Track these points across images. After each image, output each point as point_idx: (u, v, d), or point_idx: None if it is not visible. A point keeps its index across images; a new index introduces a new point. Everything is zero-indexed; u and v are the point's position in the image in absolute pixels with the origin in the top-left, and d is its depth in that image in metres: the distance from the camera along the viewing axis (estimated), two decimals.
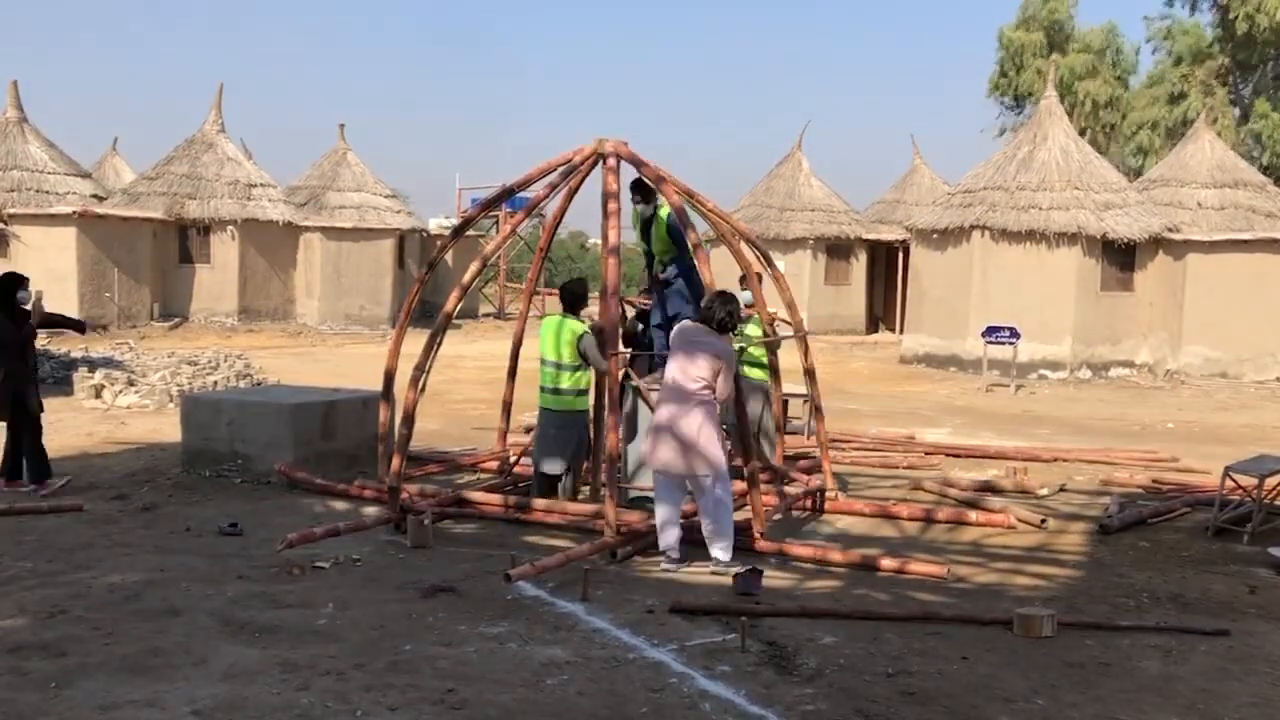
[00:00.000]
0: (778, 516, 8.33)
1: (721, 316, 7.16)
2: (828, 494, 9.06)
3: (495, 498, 8.62)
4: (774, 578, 6.95)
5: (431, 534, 7.59)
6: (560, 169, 8.77)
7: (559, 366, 8.63)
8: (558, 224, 10.46)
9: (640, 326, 9.58)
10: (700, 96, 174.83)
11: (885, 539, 8.24)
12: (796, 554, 7.48)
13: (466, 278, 8.56)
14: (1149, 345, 21.35)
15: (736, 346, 8.71)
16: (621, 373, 8.12)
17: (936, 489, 9.75)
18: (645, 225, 9.20)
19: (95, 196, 28.73)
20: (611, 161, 8.41)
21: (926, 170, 36.22)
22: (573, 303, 8.81)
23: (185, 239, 28.63)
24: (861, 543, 8.02)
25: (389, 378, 8.97)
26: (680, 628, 5.86)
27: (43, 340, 22.11)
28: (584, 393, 8.78)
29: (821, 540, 8.09)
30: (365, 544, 7.53)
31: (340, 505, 8.85)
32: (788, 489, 9.11)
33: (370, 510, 8.54)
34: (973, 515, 8.66)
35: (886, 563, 7.23)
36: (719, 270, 8.92)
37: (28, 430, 9.14)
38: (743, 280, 9.44)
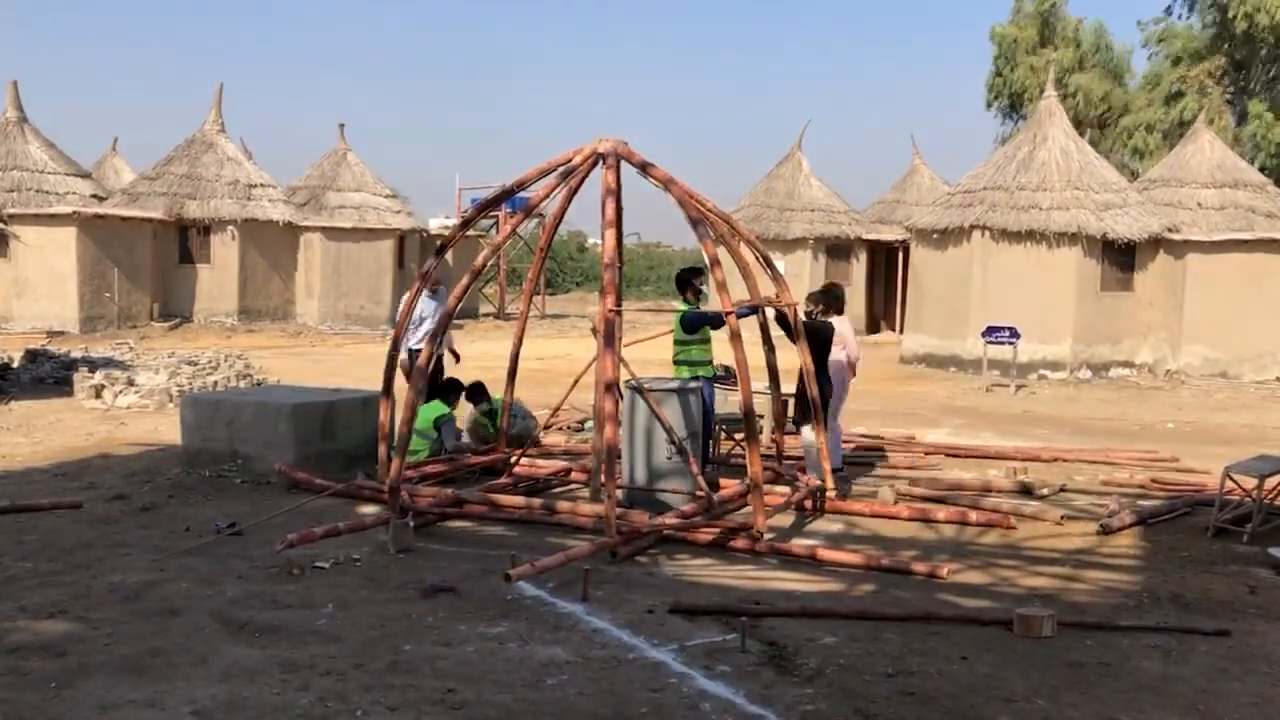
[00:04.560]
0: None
1: None
2: (828, 493, 9.07)
3: (498, 498, 8.63)
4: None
5: (413, 536, 7.54)
6: (559, 169, 8.77)
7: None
8: (558, 224, 10.48)
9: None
10: (700, 96, 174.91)
11: (922, 542, 8.22)
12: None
13: (479, 261, 8.64)
14: (1149, 345, 21.34)
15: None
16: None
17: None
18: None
19: (95, 196, 28.74)
20: (611, 161, 8.41)
21: (926, 170, 36.20)
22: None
23: (185, 239, 28.65)
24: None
25: (390, 377, 8.97)
26: (680, 628, 5.86)
27: (42, 339, 22.16)
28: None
29: (824, 540, 8.09)
30: (365, 544, 7.53)
31: (340, 505, 8.85)
32: (780, 489, 9.15)
33: (370, 510, 8.54)
34: (973, 515, 8.67)
35: (919, 567, 7.21)
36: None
37: None
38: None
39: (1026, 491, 9.78)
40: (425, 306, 11.21)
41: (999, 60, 43.13)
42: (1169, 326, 21.09)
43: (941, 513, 8.79)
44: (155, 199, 28.56)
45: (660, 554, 7.54)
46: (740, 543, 7.64)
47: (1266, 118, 36.06)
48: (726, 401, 11.80)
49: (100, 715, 4.58)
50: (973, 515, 8.66)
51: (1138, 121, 39.88)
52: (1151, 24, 41.65)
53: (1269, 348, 20.61)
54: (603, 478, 8.05)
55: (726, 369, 10.05)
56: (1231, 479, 8.56)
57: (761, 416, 12.22)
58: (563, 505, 8.48)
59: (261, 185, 29.83)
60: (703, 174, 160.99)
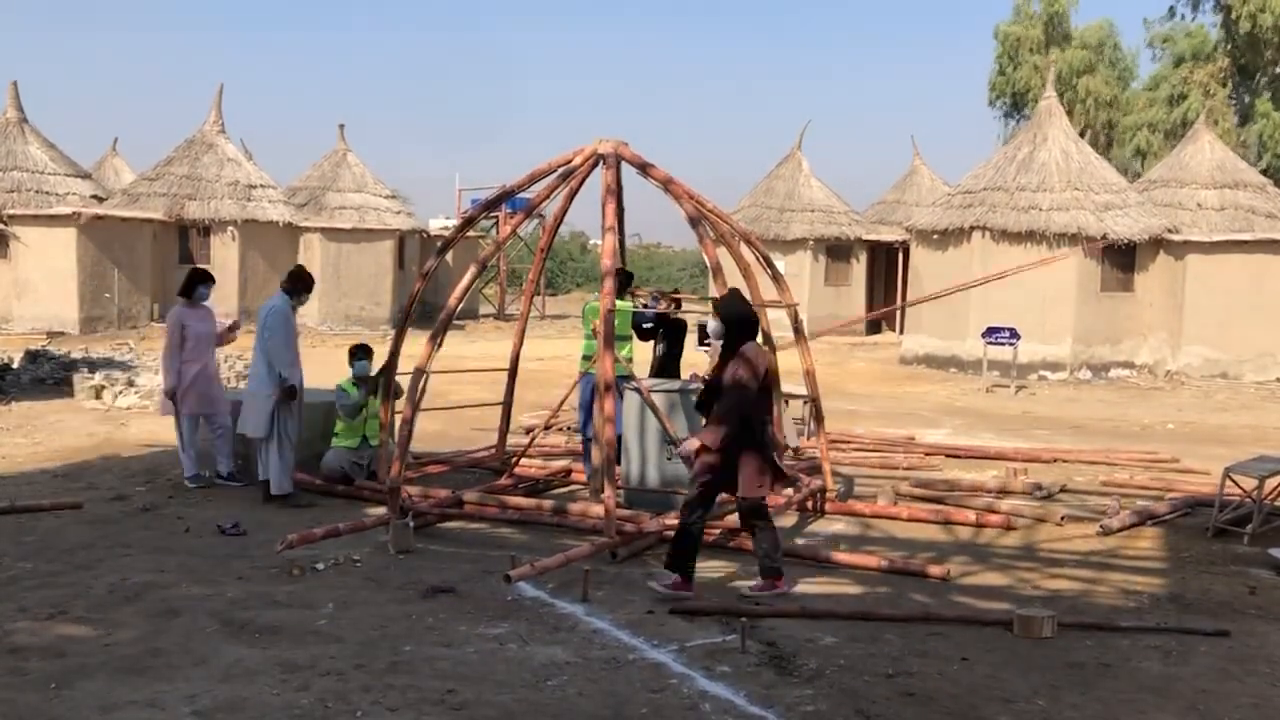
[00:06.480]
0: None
1: None
2: (828, 494, 9.08)
3: (500, 499, 8.62)
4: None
5: (413, 537, 7.54)
6: (560, 170, 8.78)
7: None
8: (558, 225, 10.49)
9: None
10: (700, 96, 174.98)
11: (923, 542, 8.22)
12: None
13: (483, 255, 8.64)
14: (1149, 346, 21.34)
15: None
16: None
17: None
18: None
19: (95, 197, 28.73)
20: (610, 162, 8.41)
21: (926, 171, 36.20)
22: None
23: (185, 240, 28.62)
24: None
25: (389, 374, 8.97)
26: (680, 628, 5.86)
27: (42, 340, 22.16)
28: None
29: (826, 541, 8.08)
30: (365, 544, 7.53)
31: (341, 505, 8.85)
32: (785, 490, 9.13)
33: (370, 511, 8.54)
34: (972, 515, 8.67)
35: (933, 569, 7.18)
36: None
37: None
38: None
39: (1028, 493, 9.78)
40: None
41: (1002, 58, 43.10)
42: (1169, 327, 21.09)
43: (940, 513, 8.79)
44: (155, 200, 28.53)
45: (661, 554, 7.53)
46: (744, 543, 7.63)
47: (1275, 117, 35.98)
48: None
49: (100, 715, 4.58)
50: (971, 516, 8.67)
51: (1140, 121, 39.89)
52: (1157, 23, 41.75)
53: (1269, 348, 20.61)
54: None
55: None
56: (1232, 480, 8.56)
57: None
58: (574, 507, 8.47)
59: (261, 186, 29.80)
60: (703, 174, 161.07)
